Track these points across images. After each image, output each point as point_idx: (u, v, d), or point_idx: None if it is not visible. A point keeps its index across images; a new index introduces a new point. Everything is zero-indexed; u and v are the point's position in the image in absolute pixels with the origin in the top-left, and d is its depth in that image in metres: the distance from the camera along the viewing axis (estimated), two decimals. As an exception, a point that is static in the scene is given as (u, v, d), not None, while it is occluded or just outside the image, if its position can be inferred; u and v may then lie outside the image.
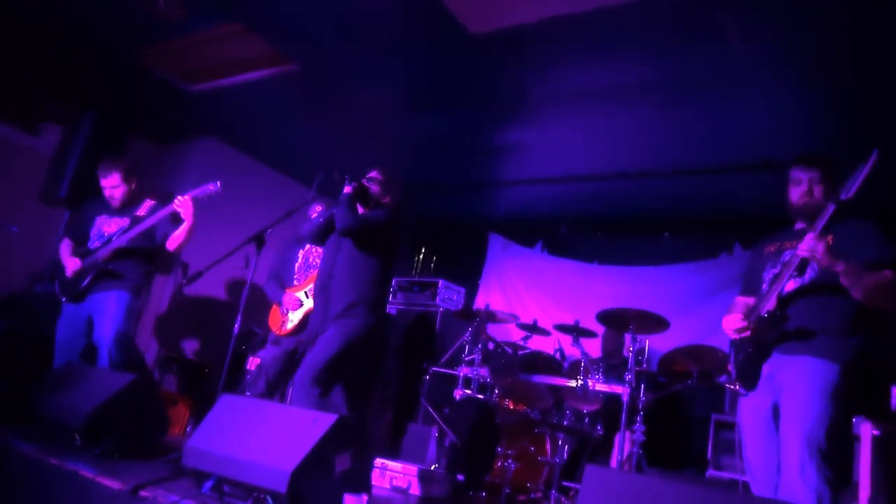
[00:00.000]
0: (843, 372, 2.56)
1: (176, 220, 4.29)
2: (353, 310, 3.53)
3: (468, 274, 8.03)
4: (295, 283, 4.78)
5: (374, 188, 3.84)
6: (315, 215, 4.80)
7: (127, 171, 4.40)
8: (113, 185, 4.37)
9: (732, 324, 2.84)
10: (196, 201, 4.18)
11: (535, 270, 7.79)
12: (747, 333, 2.80)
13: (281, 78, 5.40)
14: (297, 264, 4.86)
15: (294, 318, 4.60)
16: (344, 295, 3.57)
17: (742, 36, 3.94)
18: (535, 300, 7.57)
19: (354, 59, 5.00)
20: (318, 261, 4.78)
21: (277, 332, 4.64)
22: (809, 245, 2.56)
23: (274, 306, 4.77)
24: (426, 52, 4.78)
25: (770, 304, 2.75)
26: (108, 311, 4.15)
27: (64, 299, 4.24)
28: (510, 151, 6.23)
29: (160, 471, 2.86)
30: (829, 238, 2.67)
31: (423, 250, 8.60)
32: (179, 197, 4.13)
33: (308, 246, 4.86)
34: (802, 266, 2.69)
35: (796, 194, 2.89)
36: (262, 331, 4.80)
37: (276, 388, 4.60)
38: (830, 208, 2.56)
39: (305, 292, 4.64)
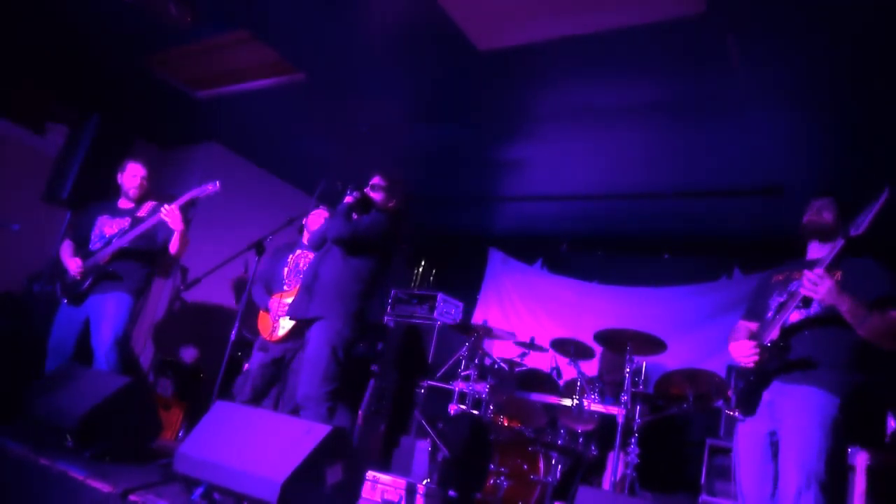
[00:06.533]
0: (843, 405, 2.55)
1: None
2: (335, 313, 3.48)
3: (467, 288, 8.03)
4: (285, 288, 4.68)
5: (378, 195, 3.81)
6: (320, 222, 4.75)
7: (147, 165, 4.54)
8: (140, 175, 4.45)
9: (744, 350, 2.80)
10: (184, 208, 4.20)
11: (534, 287, 7.79)
12: (755, 360, 2.78)
13: (287, 86, 5.42)
14: (286, 269, 4.74)
15: (286, 325, 4.55)
16: (326, 297, 3.52)
17: (747, 60, 3.96)
18: (534, 317, 7.56)
19: (361, 71, 5.03)
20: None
21: (267, 339, 4.56)
22: (811, 282, 2.55)
23: (262, 311, 4.68)
24: (433, 66, 4.80)
25: (774, 333, 2.74)
26: (107, 313, 4.14)
27: (64, 301, 4.24)
28: (513, 167, 6.26)
29: (151, 475, 2.84)
30: (838, 274, 2.65)
31: (422, 263, 8.60)
32: (165, 206, 4.14)
33: (298, 251, 4.79)
34: (808, 298, 2.65)
35: (807, 216, 2.91)
36: (252, 336, 4.72)
37: (262, 395, 4.55)
38: (840, 243, 2.54)
39: None
